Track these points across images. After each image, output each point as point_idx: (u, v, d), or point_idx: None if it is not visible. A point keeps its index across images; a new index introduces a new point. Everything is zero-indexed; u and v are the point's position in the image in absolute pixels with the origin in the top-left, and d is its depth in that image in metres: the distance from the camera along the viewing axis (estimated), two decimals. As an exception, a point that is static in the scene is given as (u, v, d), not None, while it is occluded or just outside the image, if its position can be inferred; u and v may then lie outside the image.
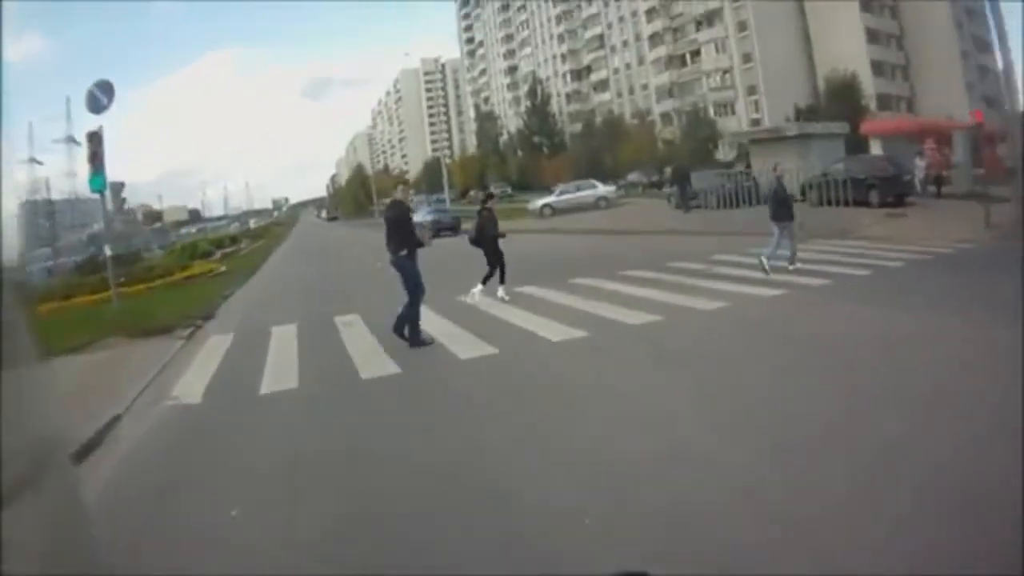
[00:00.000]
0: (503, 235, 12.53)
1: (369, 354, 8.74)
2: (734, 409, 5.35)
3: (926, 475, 3.78)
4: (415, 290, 9.02)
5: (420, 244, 9.35)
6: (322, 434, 5.94)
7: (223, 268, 28.11)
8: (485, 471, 4.55)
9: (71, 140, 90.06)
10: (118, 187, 18.67)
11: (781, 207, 12.94)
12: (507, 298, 11.85)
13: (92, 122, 16.13)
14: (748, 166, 34.60)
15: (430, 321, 9.81)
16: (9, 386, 0.70)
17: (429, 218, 34.18)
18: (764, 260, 12.23)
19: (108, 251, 16.68)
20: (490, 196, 14.01)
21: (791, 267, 12.35)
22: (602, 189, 36.37)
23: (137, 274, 24.48)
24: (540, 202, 37.06)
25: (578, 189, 36.16)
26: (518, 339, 8.74)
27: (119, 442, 6.23)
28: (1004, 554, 2.94)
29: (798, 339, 7.63)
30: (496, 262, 12.23)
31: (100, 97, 15.36)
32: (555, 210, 34.58)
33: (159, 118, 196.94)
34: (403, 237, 9.10)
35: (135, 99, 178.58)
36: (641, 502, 3.87)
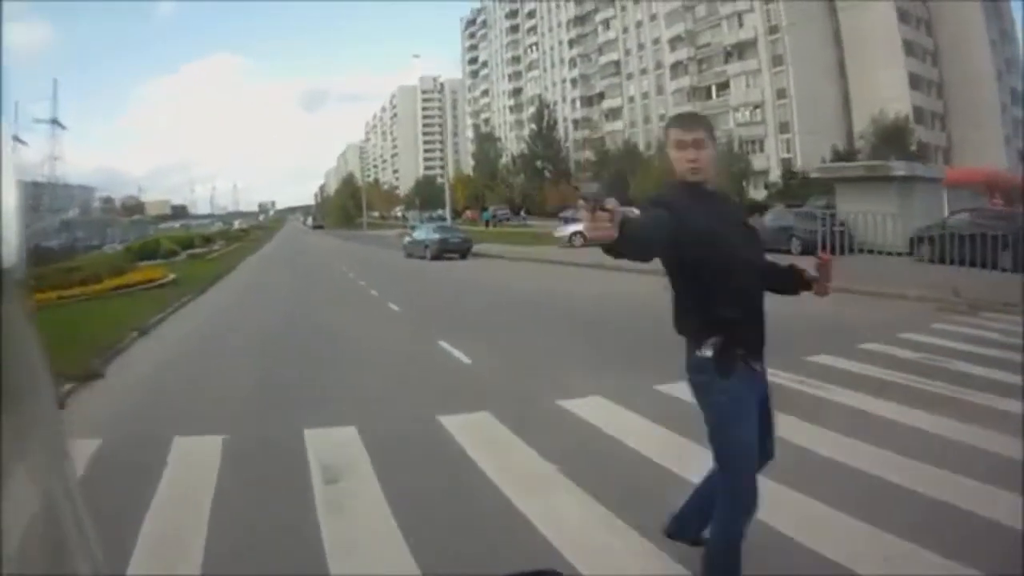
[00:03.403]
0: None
1: None
2: None
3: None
4: (736, 467, 2.88)
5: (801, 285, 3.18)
6: None
7: (171, 276, 22.02)
8: None
9: (55, 123, 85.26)
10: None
11: None
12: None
13: None
14: (791, 206, 30.33)
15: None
16: (10, 387, 0.65)
17: (435, 236, 29.51)
18: None
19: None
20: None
21: None
22: (644, 220, 30.92)
23: (53, 278, 18.42)
24: (569, 228, 31.70)
25: None
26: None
27: None
28: (1004, 554, 2.91)
29: None
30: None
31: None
32: (586, 239, 29.09)
33: (154, 113, 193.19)
34: (726, 301, 2.79)
35: (132, 93, 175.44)
36: None
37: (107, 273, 20.16)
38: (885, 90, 51.14)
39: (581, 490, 4.22)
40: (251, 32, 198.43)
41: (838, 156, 46.05)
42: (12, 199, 0.74)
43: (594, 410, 5.92)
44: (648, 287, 14.91)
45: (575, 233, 30.17)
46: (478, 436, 5.24)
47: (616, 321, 11.28)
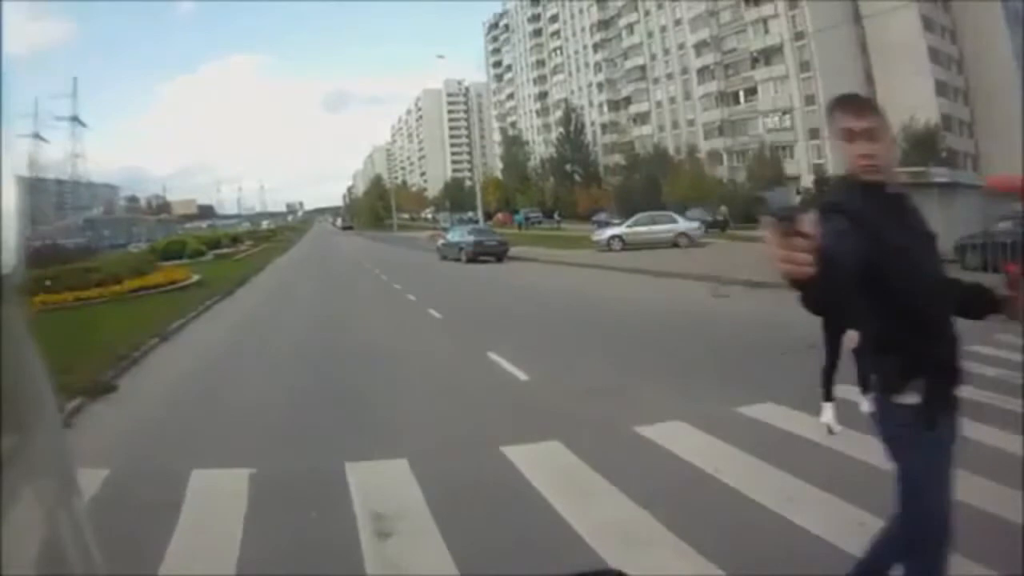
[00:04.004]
0: None
1: None
2: None
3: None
4: (929, 544, 2.30)
5: None
6: None
7: (196, 277, 21.51)
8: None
9: (76, 120, 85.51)
10: None
11: None
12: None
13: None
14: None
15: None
16: (9, 389, 0.65)
17: (470, 239, 29.14)
18: None
19: None
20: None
21: None
22: (683, 224, 30.62)
23: (70, 278, 17.87)
24: (607, 233, 31.23)
25: (653, 222, 30.56)
26: None
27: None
28: (1004, 554, 2.88)
29: None
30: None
31: None
32: (625, 243, 28.87)
33: (176, 113, 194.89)
34: (930, 333, 2.29)
35: (155, 92, 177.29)
36: None
37: (127, 274, 19.58)
38: (911, 97, 49.86)
39: (681, 541, 3.45)
40: (271, 32, 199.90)
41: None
42: (12, 201, 0.70)
43: (678, 439, 5.15)
44: (696, 294, 14.01)
45: (613, 237, 29.96)
46: (552, 473, 4.51)
47: (672, 330, 10.47)
